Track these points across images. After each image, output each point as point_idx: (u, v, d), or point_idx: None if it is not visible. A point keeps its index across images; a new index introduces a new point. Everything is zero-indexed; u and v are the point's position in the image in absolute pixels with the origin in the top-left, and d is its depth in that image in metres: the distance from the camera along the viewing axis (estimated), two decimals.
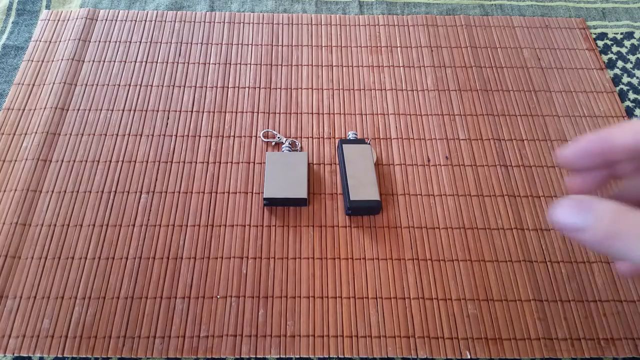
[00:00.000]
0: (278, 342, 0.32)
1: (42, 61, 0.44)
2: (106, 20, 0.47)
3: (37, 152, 0.39)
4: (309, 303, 0.33)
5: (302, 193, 0.36)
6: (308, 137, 0.41)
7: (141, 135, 0.40)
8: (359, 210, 0.36)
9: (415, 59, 0.46)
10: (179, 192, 0.37)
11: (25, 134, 0.40)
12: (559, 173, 0.39)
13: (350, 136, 0.40)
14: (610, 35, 0.49)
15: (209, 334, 0.32)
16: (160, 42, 0.46)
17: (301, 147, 0.40)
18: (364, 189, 0.36)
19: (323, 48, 0.46)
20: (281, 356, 0.31)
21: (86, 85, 0.43)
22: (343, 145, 0.39)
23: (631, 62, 0.47)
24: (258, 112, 0.42)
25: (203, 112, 0.42)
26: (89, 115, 0.41)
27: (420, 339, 0.32)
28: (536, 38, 0.48)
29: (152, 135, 0.40)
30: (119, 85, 0.43)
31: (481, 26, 0.48)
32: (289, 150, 0.39)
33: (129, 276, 0.34)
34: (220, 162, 0.39)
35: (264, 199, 0.36)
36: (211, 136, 0.40)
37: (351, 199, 0.36)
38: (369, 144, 0.39)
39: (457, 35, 0.47)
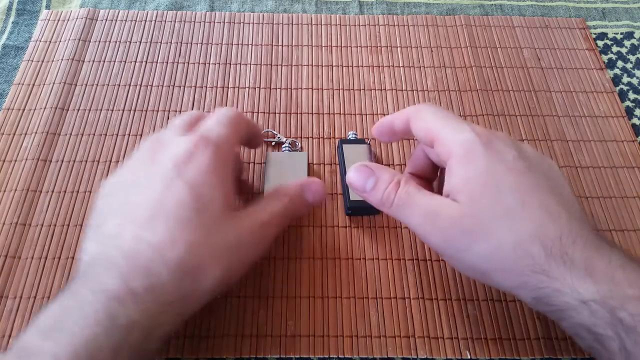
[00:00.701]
0: (278, 342, 0.32)
1: (42, 61, 0.44)
2: (106, 20, 0.47)
3: (37, 152, 0.39)
4: (309, 303, 0.33)
5: None
6: (308, 137, 0.41)
7: (141, 135, 0.40)
8: (359, 210, 0.36)
9: (415, 59, 0.46)
10: None
11: (25, 134, 0.40)
12: None
13: (350, 136, 0.40)
14: (610, 35, 0.49)
15: (210, 333, 0.32)
16: (160, 42, 0.46)
17: (301, 147, 0.40)
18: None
19: (323, 48, 0.46)
20: (281, 356, 0.31)
21: (86, 85, 0.43)
22: (343, 145, 0.39)
23: (631, 62, 0.47)
24: (258, 112, 0.42)
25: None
26: (89, 115, 0.41)
27: (420, 339, 0.32)
28: (536, 38, 0.48)
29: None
30: (119, 85, 0.43)
31: (481, 26, 0.48)
32: (289, 150, 0.39)
33: None
34: None
35: None
36: None
37: (351, 199, 0.36)
38: (369, 144, 0.39)
39: (457, 35, 0.47)
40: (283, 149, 0.39)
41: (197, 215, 0.26)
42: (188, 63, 0.44)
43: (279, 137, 0.40)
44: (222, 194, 0.27)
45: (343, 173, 0.38)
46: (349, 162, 0.37)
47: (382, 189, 0.29)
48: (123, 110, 0.42)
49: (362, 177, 0.30)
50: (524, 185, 0.26)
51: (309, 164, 0.39)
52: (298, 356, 0.31)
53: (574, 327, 0.25)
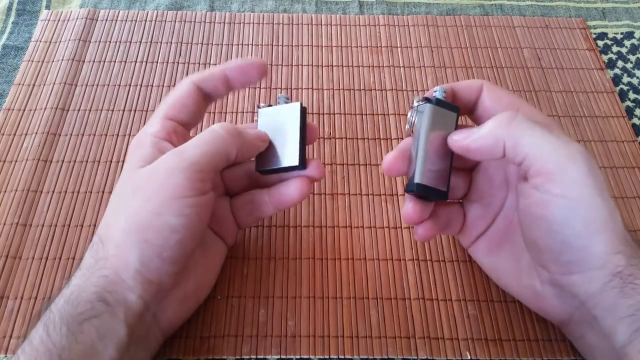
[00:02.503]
0: (279, 342, 0.32)
1: (42, 61, 0.44)
2: (106, 20, 0.47)
3: (37, 152, 0.39)
4: (310, 303, 0.33)
5: (294, 160, 0.30)
6: None
7: None
8: (426, 193, 0.29)
9: (415, 59, 0.46)
10: None
11: (26, 134, 0.40)
12: None
13: (438, 94, 0.29)
14: (611, 35, 0.49)
15: (210, 334, 0.32)
16: (161, 42, 0.46)
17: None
18: (434, 172, 0.29)
19: (323, 48, 0.46)
20: (282, 356, 0.31)
21: (86, 85, 0.43)
22: (428, 105, 0.29)
23: (631, 62, 0.47)
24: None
25: None
26: (90, 116, 0.41)
27: (421, 339, 0.32)
28: (536, 38, 0.48)
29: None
30: (120, 85, 0.43)
31: (481, 26, 0.48)
32: (286, 103, 0.32)
33: None
34: None
35: (257, 170, 0.31)
36: None
37: (417, 182, 0.28)
38: (458, 110, 0.30)
39: (457, 35, 0.47)
40: (279, 102, 0.32)
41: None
42: (188, 63, 0.45)
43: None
44: (129, 161, 0.29)
45: (417, 141, 0.29)
46: (430, 132, 0.29)
47: (501, 114, 0.27)
48: (123, 110, 0.42)
49: (465, 130, 0.28)
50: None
51: (305, 114, 0.31)
52: (298, 356, 0.32)
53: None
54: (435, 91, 0.29)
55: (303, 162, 0.30)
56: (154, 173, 0.26)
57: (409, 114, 0.30)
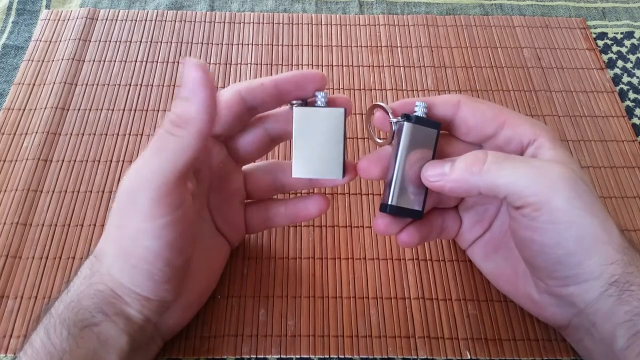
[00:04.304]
0: (279, 341, 0.32)
1: (42, 61, 0.44)
2: (106, 20, 0.47)
3: (37, 152, 0.39)
4: (310, 303, 0.33)
5: (336, 172, 0.28)
6: None
7: (142, 135, 0.40)
8: (400, 211, 0.29)
9: (415, 58, 0.46)
10: None
11: (26, 134, 0.40)
12: None
13: (419, 111, 0.28)
14: (610, 35, 0.49)
15: (210, 334, 0.32)
16: (161, 42, 0.46)
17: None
18: (409, 192, 0.28)
19: (323, 48, 0.46)
20: (282, 356, 0.31)
21: (86, 85, 0.43)
22: (406, 125, 0.27)
23: (631, 62, 0.47)
24: None
25: None
26: (90, 115, 0.41)
27: (421, 339, 0.32)
28: (536, 38, 0.48)
29: (153, 135, 0.40)
30: (120, 85, 0.43)
31: (481, 26, 0.48)
32: (324, 106, 0.28)
33: None
34: None
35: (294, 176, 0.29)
36: None
37: (390, 203, 0.28)
38: (438, 128, 0.28)
39: (457, 35, 0.47)
40: (318, 102, 0.28)
41: None
42: None
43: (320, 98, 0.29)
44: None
45: (394, 159, 0.28)
46: (408, 151, 0.28)
47: (470, 157, 0.26)
48: (123, 110, 0.42)
49: (438, 165, 0.27)
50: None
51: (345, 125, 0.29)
52: (298, 356, 0.32)
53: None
54: (416, 106, 0.28)
55: (343, 174, 0.29)
56: (122, 199, 0.24)
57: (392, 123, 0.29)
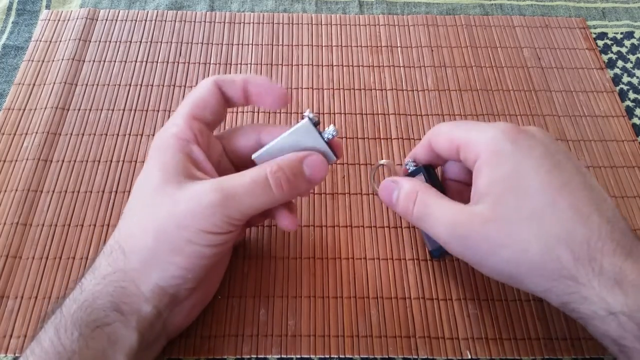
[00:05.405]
0: (279, 341, 0.32)
1: (42, 61, 0.44)
2: (106, 20, 0.47)
3: (37, 152, 0.39)
4: (310, 303, 0.33)
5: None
6: None
7: (142, 135, 0.40)
8: (443, 252, 0.32)
9: (415, 58, 0.46)
10: None
11: (26, 134, 0.40)
12: None
13: (409, 167, 0.33)
14: (610, 35, 0.49)
15: (211, 334, 0.32)
16: (161, 42, 0.46)
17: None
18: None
19: (323, 48, 0.46)
20: (282, 356, 0.31)
21: (87, 85, 0.43)
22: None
23: (631, 62, 0.47)
24: (258, 112, 0.42)
25: None
26: (90, 115, 0.41)
27: (421, 338, 0.32)
28: (536, 38, 0.48)
29: (153, 135, 0.40)
30: (120, 85, 0.43)
31: (481, 26, 0.48)
32: (326, 141, 0.28)
33: None
34: None
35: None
36: None
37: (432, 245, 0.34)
38: (422, 171, 0.33)
39: (457, 35, 0.47)
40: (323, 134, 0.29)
41: (133, 196, 0.28)
42: (188, 63, 0.44)
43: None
44: (159, 168, 0.26)
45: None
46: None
47: (402, 199, 0.30)
48: (123, 110, 0.42)
49: (389, 191, 0.31)
50: (553, 183, 0.25)
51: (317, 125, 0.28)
52: (299, 356, 0.32)
53: (601, 336, 0.25)
54: (406, 164, 0.33)
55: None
56: (194, 204, 0.25)
57: (407, 163, 0.33)
